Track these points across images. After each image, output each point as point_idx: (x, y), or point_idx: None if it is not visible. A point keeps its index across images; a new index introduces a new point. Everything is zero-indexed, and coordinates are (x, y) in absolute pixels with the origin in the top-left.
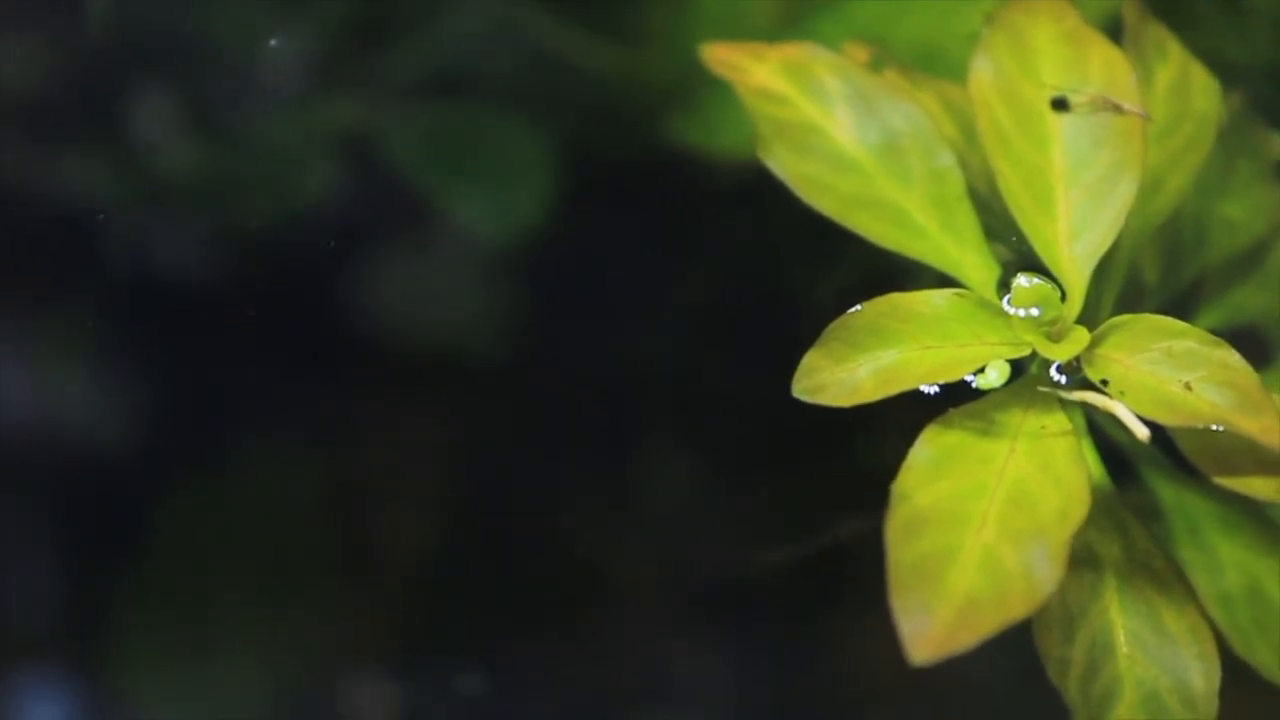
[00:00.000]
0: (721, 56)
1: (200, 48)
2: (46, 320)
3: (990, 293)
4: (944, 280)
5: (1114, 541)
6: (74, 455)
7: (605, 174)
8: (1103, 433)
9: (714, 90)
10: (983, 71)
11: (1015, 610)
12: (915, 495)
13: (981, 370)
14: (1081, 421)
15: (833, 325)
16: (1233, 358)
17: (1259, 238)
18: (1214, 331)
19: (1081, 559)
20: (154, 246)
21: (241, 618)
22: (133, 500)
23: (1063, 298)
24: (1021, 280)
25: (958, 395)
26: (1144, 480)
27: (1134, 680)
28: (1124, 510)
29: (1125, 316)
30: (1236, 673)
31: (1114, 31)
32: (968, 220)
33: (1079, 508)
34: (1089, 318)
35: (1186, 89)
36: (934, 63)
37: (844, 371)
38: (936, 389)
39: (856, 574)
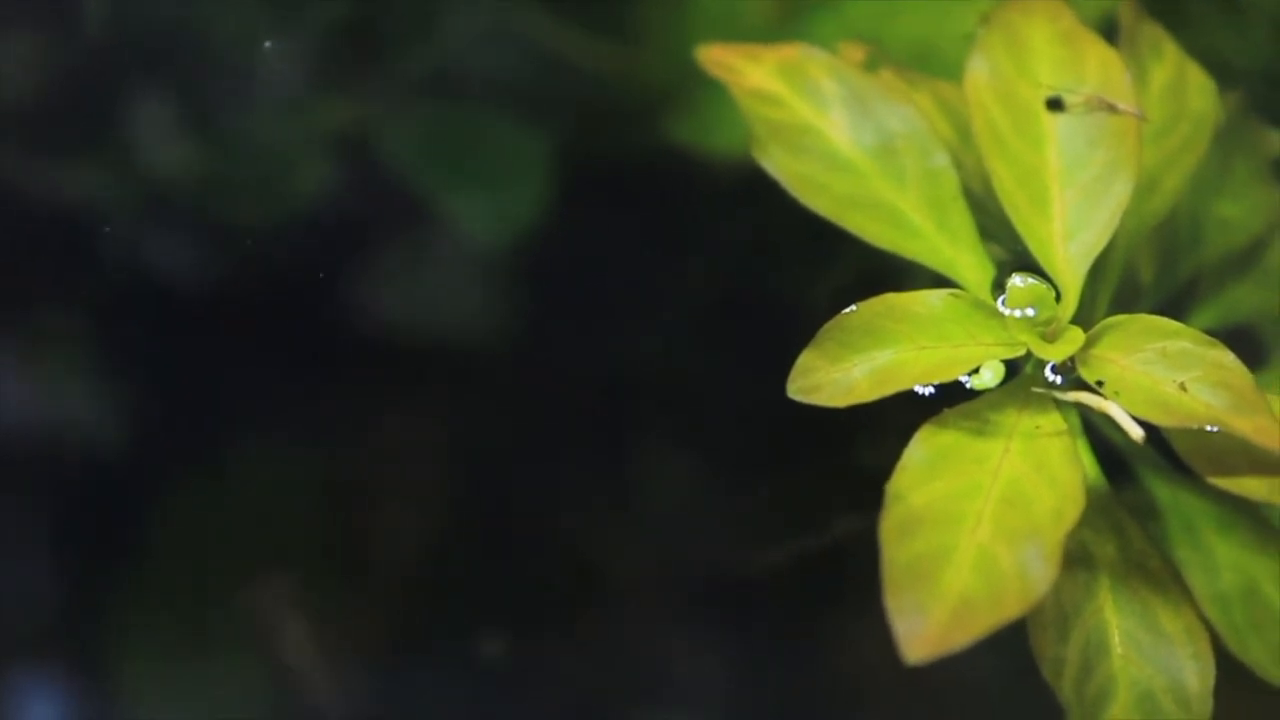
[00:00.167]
0: (717, 58)
1: (198, 48)
2: (44, 320)
3: (985, 293)
4: (939, 280)
5: (1109, 541)
6: (72, 455)
7: (602, 174)
8: (1098, 433)
9: (710, 90)
10: (978, 71)
11: (1010, 610)
12: (910, 495)
13: (976, 370)
14: (1076, 422)
15: (828, 325)
16: (1227, 358)
17: (1255, 237)
18: (1209, 332)
19: (1076, 559)
20: (151, 247)
21: (241, 618)
22: (132, 500)
23: (1057, 298)
24: (1016, 280)
25: (953, 395)
26: (1139, 480)
27: (1129, 680)
28: (1119, 510)
29: (1120, 317)
30: (1232, 673)
31: (1110, 31)
32: (963, 220)
33: (1074, 508)
34: (1084, 318)
35: (1182, 89)
36: (929, 62)
37: (839, 372)
38: (931, 389)
39: (853, 573)
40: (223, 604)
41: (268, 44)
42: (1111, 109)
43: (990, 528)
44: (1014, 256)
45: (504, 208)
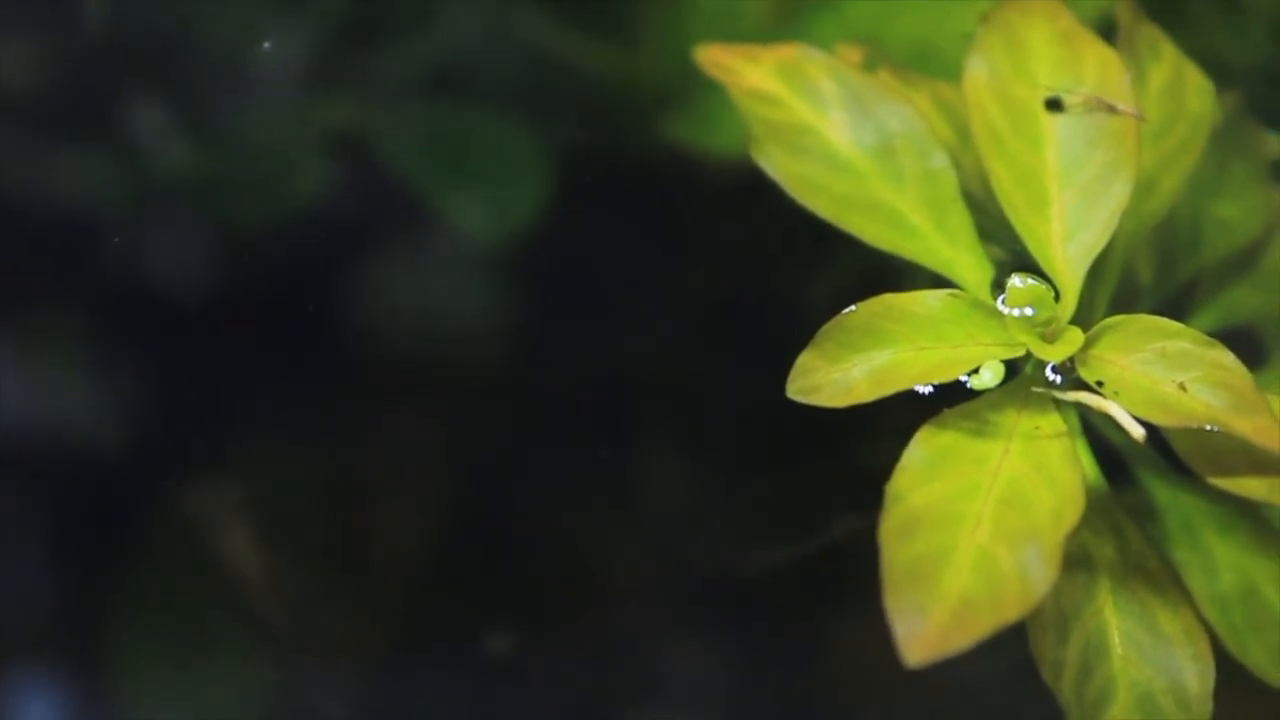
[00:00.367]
0: (715, 58)
1: (197, 48)
2: (44, 320)
3: (985, 293)
4: (938, 281)
5: (1109, 542)
6: (71, 455)
7: (601, 174)
8: (1097, 433)
9: (709, 90)
10: (977, 72)
11: (1010, 612)
12: (910, 496)
13: (976, 371)
14: (1076, 422)
15: (827, 326)
16: (1227, 358)
17: (1254, 238)
18: (1209, 332)
19: (1076, 560)
20: (150, 246)
21: (240, 618)
22: (131, 500)
23: (1057, 298)
24: (1016, 281)
25: (952, 396)
26: (1139, 481)
27: (1129, 682)
28: (1119, 511)
29: (1119, 317)
30: (1231, 674)
31: (1108, 32)
32: (962, 221)
33: (1073, 509)
34: (1083, 318)
35: (1181, 89)
36: (929, 62)
37: (838, 372)
38: (931, 390)
39: (853, 573)
40: (221, 604)
41: (267, 44)
42: (1110, 109)
43: (990, 529)
44: (1013, 257)
45: (503, 207)
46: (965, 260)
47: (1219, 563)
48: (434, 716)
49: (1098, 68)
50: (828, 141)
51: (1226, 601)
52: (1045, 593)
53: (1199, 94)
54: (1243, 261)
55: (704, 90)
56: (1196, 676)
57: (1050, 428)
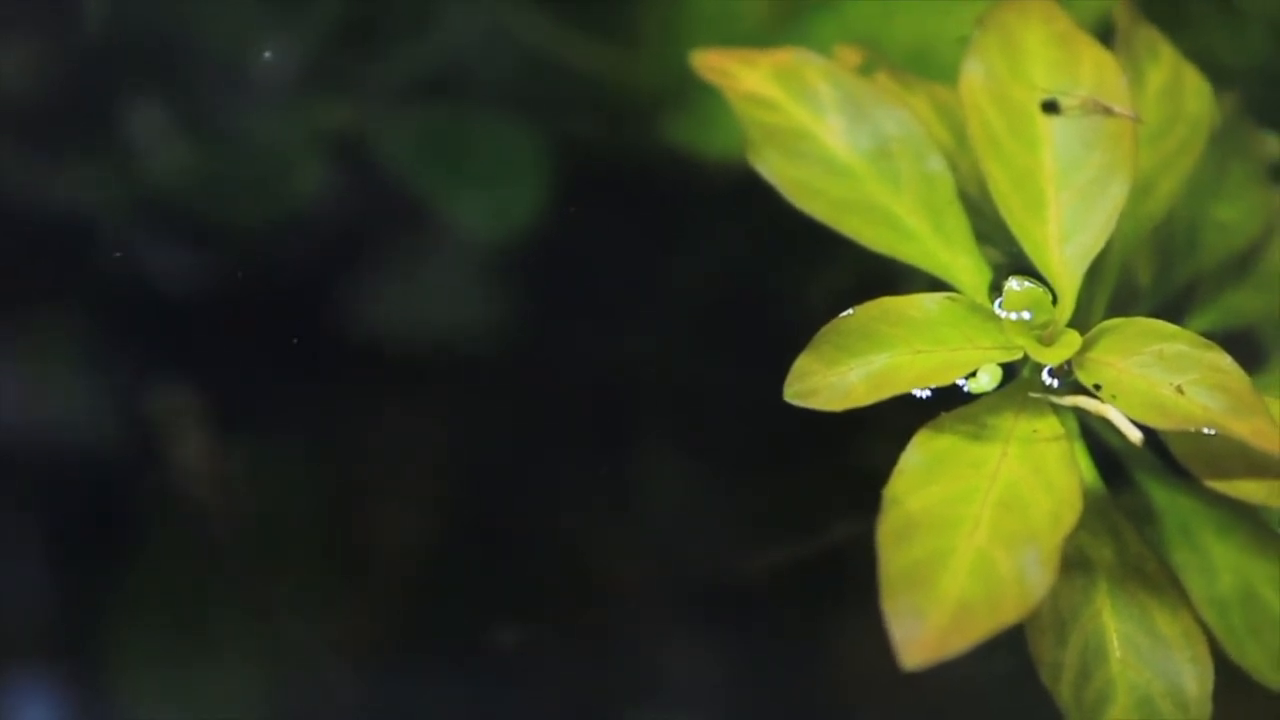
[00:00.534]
0: (711, 62)
1: (196, 50)
2: (44, 320)
3: (982, 296)
4: (935, 284)
5: (1107, 545)
6: (71, 455)
7: (599, 175)
8: (1095, 436)
9: (707, 92)
10: (973, 74)
11: (1008, 615)
12: (907, 500)
13: (973, 374)
14: (1074, 425)
15: (824, 329)
16: (1224, 361)
17: (1252, 240)
18: (1207, 335)
19: (1074, 563)
20: (150, 246)
21: (240, 618)
22: (132, 500)
23: (1054, 301)
24: (1013, 284)
25: (949, 399)
26: (1137, 484)
27: (1127, 684)
28: (1117, 514)
29: (1117, 320)
30: (1230, 676)
31: (1105, 34)
32: (958, 224)
33: (1071, 512)
34: (1081, 321)
35: (1178, 91)
36: (926, 64)
37: (835, 375)
38: (928, 393)
39: (851, 576)
40: (221, 604)
41: (266, 44)
42: (1107, 111)
43: (988, 532)
44: (1010, 259)
45: (501, 208)
46: (962, 263)
47: (1217, 565)
48: (434, 716)
49: (1094, 69)
50: (824, 145)
51: (1225, 604)
52: (1043, 596)
53: (1197, 95)
54: (1241, 263)
55: (702, 92)
56: (1195, 679)
57: (1048, 431)
